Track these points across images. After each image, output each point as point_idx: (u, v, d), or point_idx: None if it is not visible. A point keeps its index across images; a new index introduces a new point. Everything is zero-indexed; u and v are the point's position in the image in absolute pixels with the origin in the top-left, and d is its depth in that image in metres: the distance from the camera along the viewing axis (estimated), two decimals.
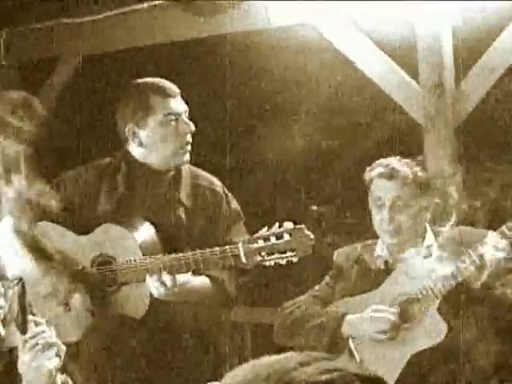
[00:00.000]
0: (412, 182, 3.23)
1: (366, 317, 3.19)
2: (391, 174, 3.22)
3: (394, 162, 3.26)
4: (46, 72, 4.81)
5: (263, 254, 2.90)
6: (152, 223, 3.16)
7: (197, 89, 4.44)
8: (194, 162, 3.28)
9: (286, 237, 2.90)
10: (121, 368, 3.16)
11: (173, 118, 3.15)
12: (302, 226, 2.92)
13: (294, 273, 4.22)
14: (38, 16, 4.54)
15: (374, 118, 4.51)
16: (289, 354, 1.08)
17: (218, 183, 3.27)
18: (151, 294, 3.02)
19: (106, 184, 3.26)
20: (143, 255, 3.05)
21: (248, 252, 2.90)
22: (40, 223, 3.14)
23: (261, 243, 2.90)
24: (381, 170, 3.24)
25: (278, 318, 3.36)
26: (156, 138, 3.16)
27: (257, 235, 2.92)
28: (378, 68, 3.93)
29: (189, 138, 3.18)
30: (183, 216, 3.19)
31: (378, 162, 3.30)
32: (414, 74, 3.88)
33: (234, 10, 4.21)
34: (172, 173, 3.21)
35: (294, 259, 2.91)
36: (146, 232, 3.14)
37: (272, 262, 2.90)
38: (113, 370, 3.17)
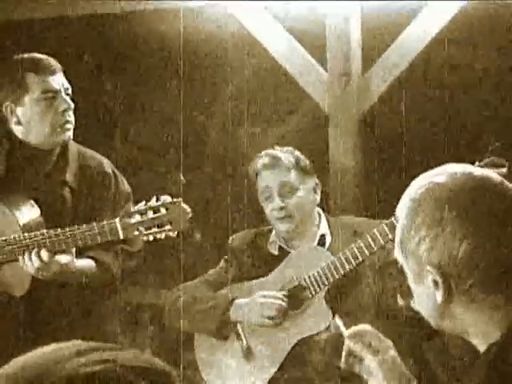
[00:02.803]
0: (294, 168, 3.28)
1: (254, 302, 3.20)
2: (274, 163, 3.28)
3: (275, 151, 3.33)
4: None
5: (141, 228, 2.86)
6: (37, 203, 3.10)
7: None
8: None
9: (163, 211, 2.86)
10: None
11: (50, 95, 3.08)
12: (180, 199, 2.89)
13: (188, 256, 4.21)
14: None
15: (285, 107, 4.52)
16: (72, 342, 1.04)
17: (107, 164, 3.23)
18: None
19: None
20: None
21: (125, 227, 2.87)
22: None
23: (138, 218, 2.87)
24: (263, 160, 3.29)
25: (167, 301, 3.36)
26: (33, 115, 3.10)
27: (134, 209, 2.89)
28: (286, 52, 3.94)
29: (68, 116, 3.11)
30: (68, 197, 3.14)
31: (259, 154, 3.34)
32: (323, 62, 3.91)
33: None
34: (57, 152, 3.15)
35: (172, 233, 2.88)
36: (29, 212, 3.09)
37: (151, 237, 2.87)
38: None
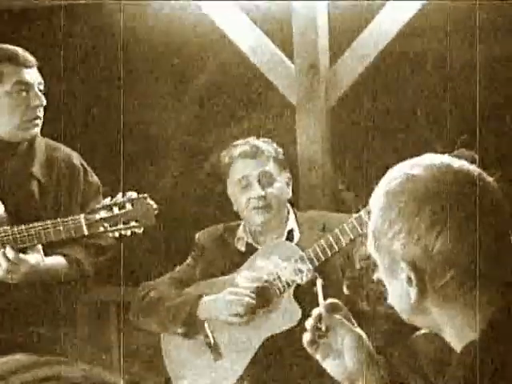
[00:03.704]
0: (273, 159, 3.24)
1: (221, 299, 3.15)
2: (255, 152, 3.22)
3: (255, 140, 3.27)
4: None
5: (106, 224, 2.85)
6: (1, 197, 3.03)
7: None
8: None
9: (129, 206, 2.85)
10: None
11: (22, 88, 3.04)
12: (146, 195, 2.87)
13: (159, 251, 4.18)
14: None
15: (250, 99, 4.50)
16: (15, 356, 0.97)
17: (75, 156, 3.19)
18: None
19: None
20: None
21: (90, 223, 2.85)
22: None
23: (103, 214, 2.85)
24: (243, 148, 3.22)
25: (134, 299, 3.30)
26: (3, 107, 3.05)
27: (99, 205, 2.87)
28: (253, 44, 3.89)
29: (39, 111, 3.07)
30: (36, 190, 3.10)
31: (236, 142, 3.28)
32: (290, 54, 3.86)
33: None
34: (25, 145, 3.10)
35: (138, 230, 2.86)
36: None
37: (116, 234, 2.85)
38: None
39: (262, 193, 3.18)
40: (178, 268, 3.34)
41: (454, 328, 1.63)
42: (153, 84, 4.78)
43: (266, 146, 3.26)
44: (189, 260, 3.34)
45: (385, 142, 4.18)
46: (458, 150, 2.92)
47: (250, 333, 3.17)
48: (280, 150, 3.30)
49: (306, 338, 1.85)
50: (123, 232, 2.85)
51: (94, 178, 3.19)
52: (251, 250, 3.27)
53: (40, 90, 3.07)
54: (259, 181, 3.20)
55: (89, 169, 3.19)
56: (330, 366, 1.85)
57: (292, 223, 3.27)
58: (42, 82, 3.08)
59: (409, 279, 1.61)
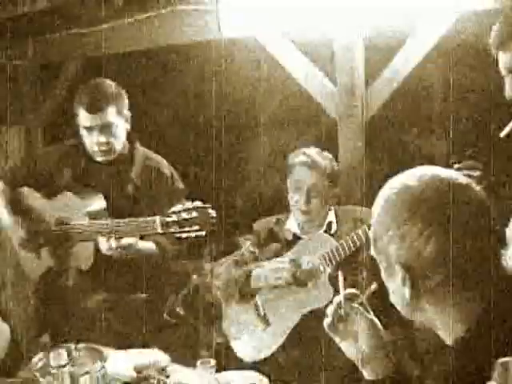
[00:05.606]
0: (327, 175, 3.45)
1: (268, 269, 3.41)
2: (311, 165, 3.42)
3: (315, 153, 3.47)
4: (56, 71, 5.42)
5: (175, 227, 3.06)
6: (105, 196, 3.43)
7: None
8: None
9: (194, 213, 3.05)
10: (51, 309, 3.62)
11: (87, 130, 3.48)
12: (208, 205, 3.09)
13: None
14: (51, 27, 5.00)
15: (305, 123, 4.74)
16: None
17: (165, 164, 3.57)
18: (96, 250, 3.35)
19: (70, 159, 3.57)
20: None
21: (163, 224, 3.09)
22: (22, 188, 3.62)
23: (174, 217, 3.08)
24: (303, 158, 3.43)
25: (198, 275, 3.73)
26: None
27: (171, 210, 3.10)
28: (303, 73, 4.14)
29: (102, 147, 3.47)
30: (131, 191, 3.50)
31: (301, 150, 3.50)
32: (333, 79, 4.08)
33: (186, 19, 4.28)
34: (126, 154, 3.52)
35: (201, 233, 3.08)
36: (97, 203, 3.43)
37: (184, 235, 3.08)
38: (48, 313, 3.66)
39: (306, 200, 3.41)
40: (236, 252, 3.63)
41: (446, 323, 1.66)
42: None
43: (324, 160, 3.42)
44: (247, 245, 3.60)
45: (413, 151, 4.38)
46: (465, 162, 2.96)
47: (291, 308, 3.42)
48: (335, 165, 3.45)
49: (327, 321, 1.94)
50: (188, 234, 3.06)
51: (180, 185, 3.55)
52: (296, 239, 3.56)
53: (108, 130, 3.40)
54: (308, 191, 3.40)
55: (176, 176, 3.56)
56: (346, 347, 1.92)
57: (331, 216, 3.53)
58: (113, 122, 3.41)
59: (403, 280, 1.64)
